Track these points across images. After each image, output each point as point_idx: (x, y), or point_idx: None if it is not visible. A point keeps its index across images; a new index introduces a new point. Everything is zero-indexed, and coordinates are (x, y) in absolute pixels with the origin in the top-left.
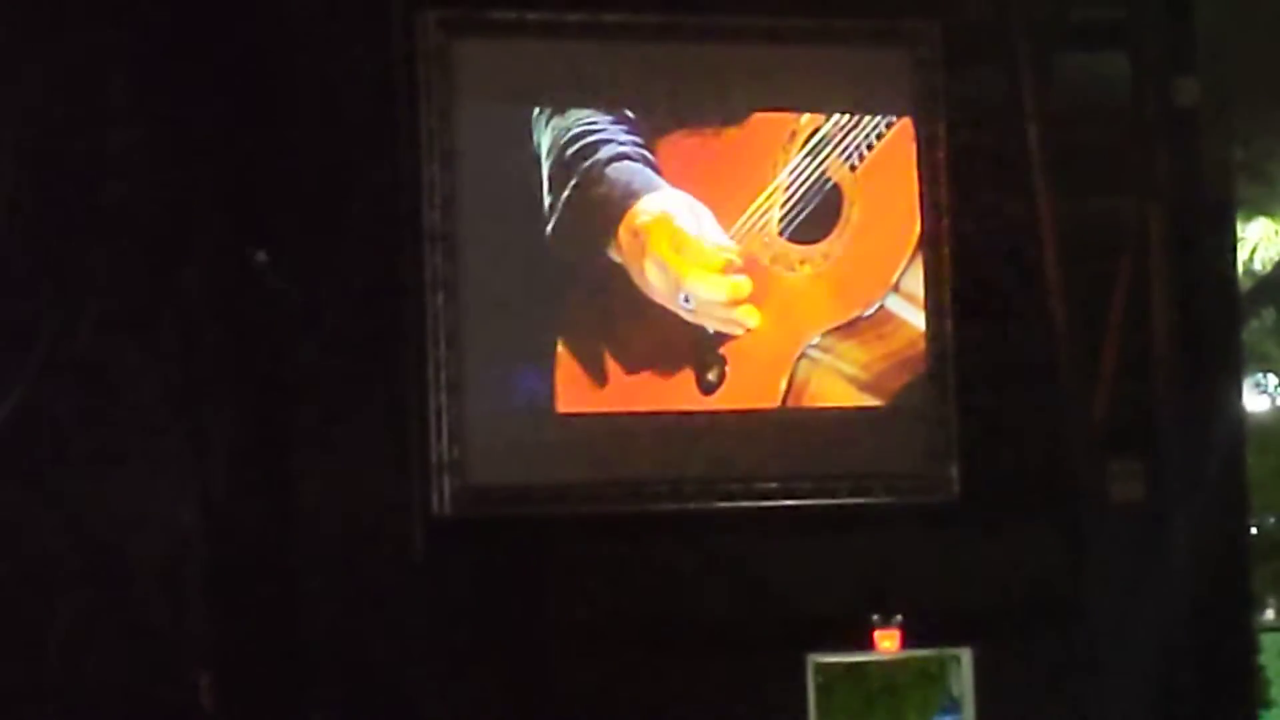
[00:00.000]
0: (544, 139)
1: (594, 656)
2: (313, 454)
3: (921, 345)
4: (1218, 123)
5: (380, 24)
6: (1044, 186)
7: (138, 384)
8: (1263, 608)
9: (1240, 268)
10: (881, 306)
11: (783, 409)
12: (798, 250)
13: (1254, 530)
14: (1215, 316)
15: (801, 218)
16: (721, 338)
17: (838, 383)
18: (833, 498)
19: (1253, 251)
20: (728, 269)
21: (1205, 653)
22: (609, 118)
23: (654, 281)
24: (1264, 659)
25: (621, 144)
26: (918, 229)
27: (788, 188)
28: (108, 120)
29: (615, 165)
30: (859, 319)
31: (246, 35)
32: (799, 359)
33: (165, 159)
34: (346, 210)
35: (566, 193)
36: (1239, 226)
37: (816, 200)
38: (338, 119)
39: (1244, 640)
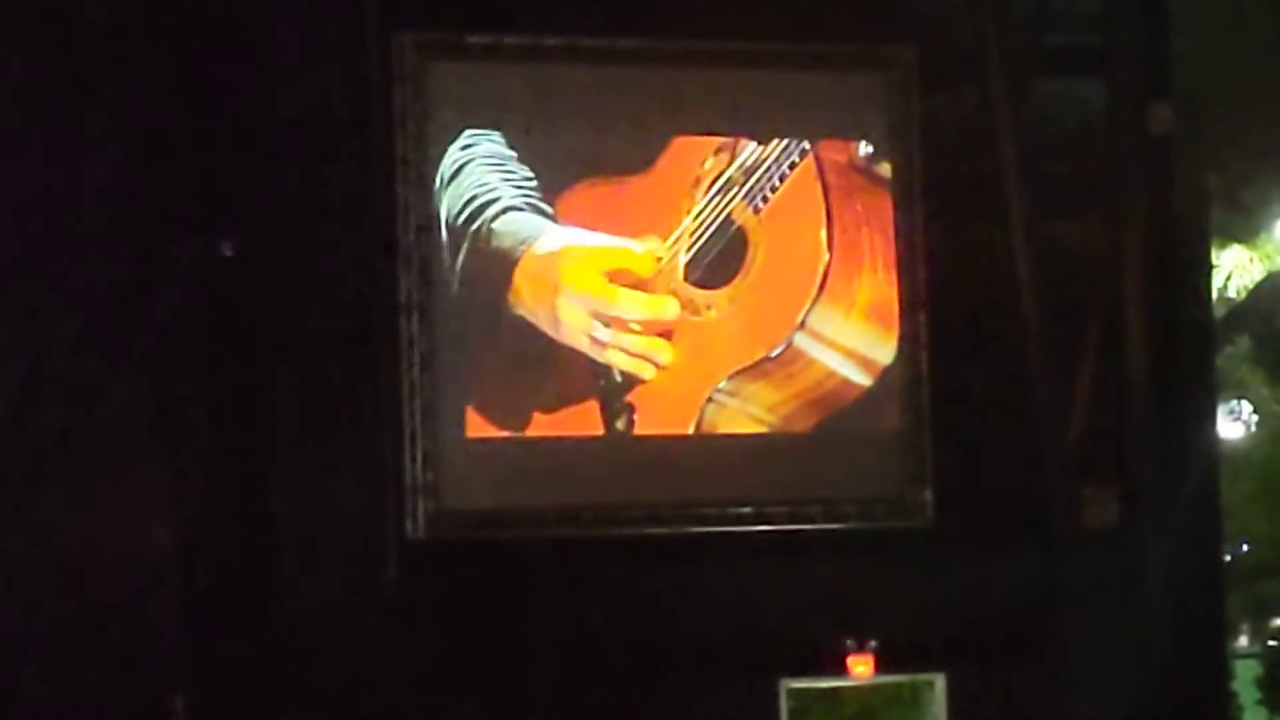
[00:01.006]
0: (441, 209)
1: (568, 681)
2: (287, 477)
3: (831, 384)
4: (1193, 149)
5: (356, 47)
6: (1018, 212)
7: (112, 405)
8: (1237, 634)
9: (1215, 294)
10: (789, 345)
11: (759, 435)
12: (703, 295)
13: (1228, 557)
14: (1190, 343)
15: (707, 262)
16: (629, 383)
17: (746, 424)
18: (807, 523)
19: (1227, 278)
20: (654, 280)
21: (1179, 678)
22: (502, 175)
23: (565, 319)
24: (1238, 685)
25: (511, 199)
26: (823, 267)
27: (693, 233)
28: (83, 141)
29: (503, 219)
30: (766, 359)
31: (222, 56)
32: (706, 403)
33: (141, 180)
34: (321, 232)
35: (461, 257)
36: (1214, 253)
37: (721, 244)
38: (312, 141)
39: (1218, 666)
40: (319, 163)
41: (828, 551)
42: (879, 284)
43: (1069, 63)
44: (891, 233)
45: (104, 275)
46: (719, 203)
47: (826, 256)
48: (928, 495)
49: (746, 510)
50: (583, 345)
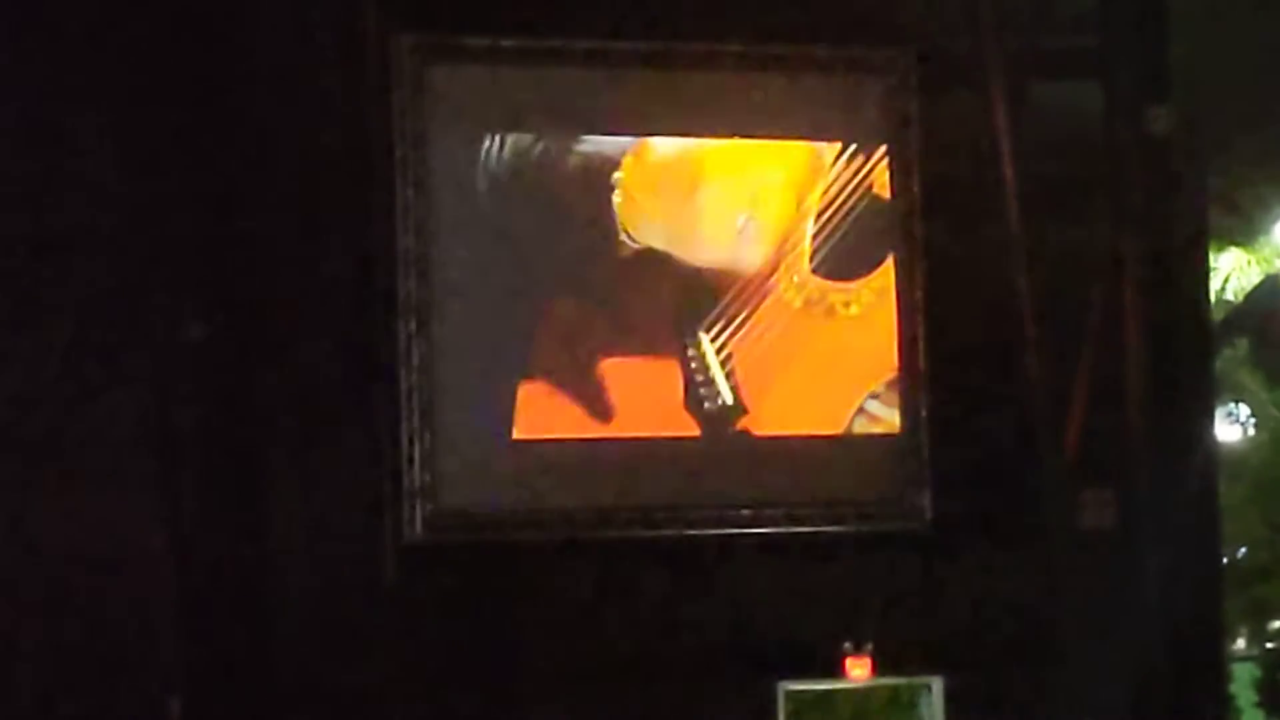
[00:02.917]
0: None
1: (565, 683)
2: (283, 478)
3: None
4: (1191, 152)
5: (353, 49)
6: (1016, 215)
7: (109, 406)
8: (1234, 637)
9: (1213, 297)
10: None
11: (753, 435)
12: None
13: (1225, 560)
14: (1188, 346)
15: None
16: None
17: None
18: (804, 525)
19: (1225, 281)
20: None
21: (1177, 682)
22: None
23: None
24: (1236, 688)
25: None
26: None
27: (821, 212)
28: (78, 147)
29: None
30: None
31: (217, 59)
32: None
33: (136, 186)
34: (318, 235)
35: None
36: (1212, 256)
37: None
38: (309, 143)
39: (1216, 669)
40: (318, 164)
41: (825, 554)
42: None
43: (1067, 65)
44: None
45: (101, 274)
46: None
47: None
48: (925, 497)
49: (744, 512)
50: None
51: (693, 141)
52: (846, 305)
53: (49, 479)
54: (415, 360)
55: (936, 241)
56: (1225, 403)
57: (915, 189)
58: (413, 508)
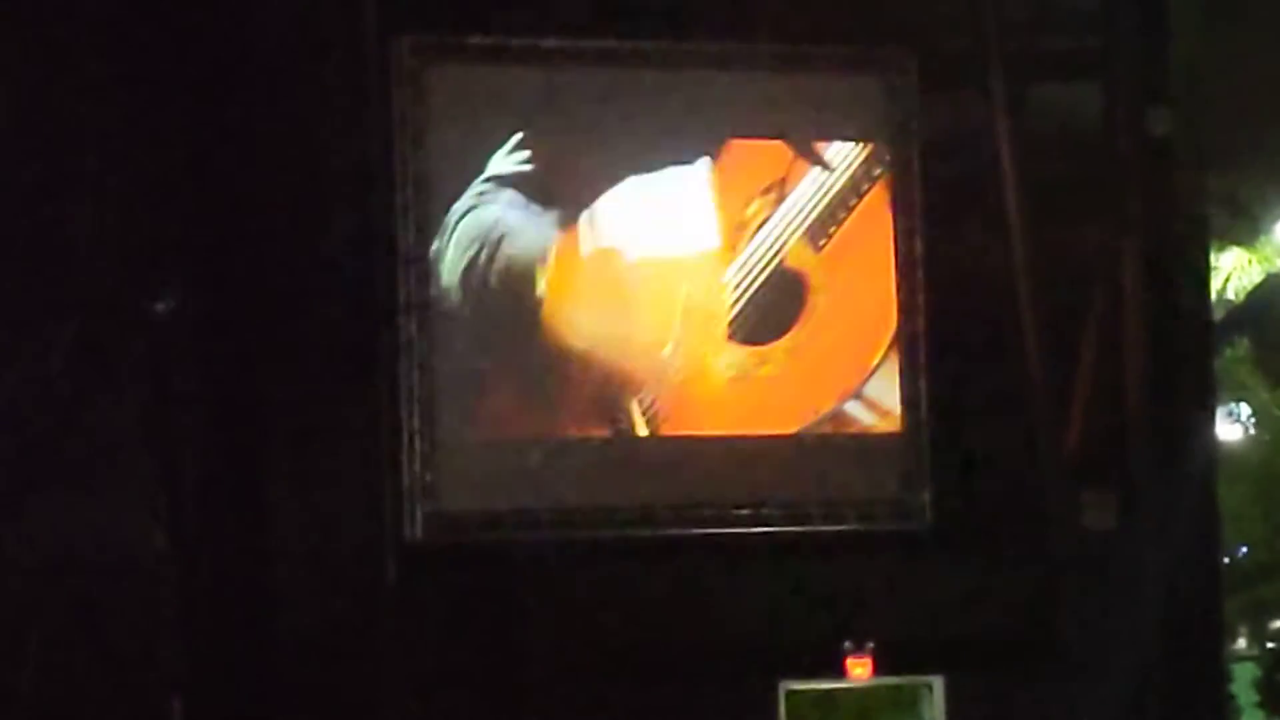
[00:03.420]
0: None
1: (566, 683)
2: (284, 479)
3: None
4: (1191, 152)
5: (354, 48)
6: (1017, 215)
7: (109, 410)
8: (1234, 637)
9: (1213, 297)
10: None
11: (755, 436)
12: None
13: (1226, 559)
14: (1188, 345)
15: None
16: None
17: None
18: (805, 524)
19: (1226, 280)
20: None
21: (1177, 681)
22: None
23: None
24: (1235, 688)
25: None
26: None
27: (738, 284)
28: (80, 146)
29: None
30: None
31: (218, 59)
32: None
33: (137, 186)
34: (319, 233)
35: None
36: (1212, 256)
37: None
38: (310, 143)
39: (1216, 669)
40: (318, 164)
41: (826, 553)
42: None
43: (1068, 65)
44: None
45: (100, 276)
46: (770, 246)
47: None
48: (926, 498)
49: (745, 512)
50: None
51: (621, 247)
52: (760, 366)
53: (49, 479)
54: (415, 360)
55: (936, 239)
56: (1225, 402)
57: (915, 188)
58: (413, 508)
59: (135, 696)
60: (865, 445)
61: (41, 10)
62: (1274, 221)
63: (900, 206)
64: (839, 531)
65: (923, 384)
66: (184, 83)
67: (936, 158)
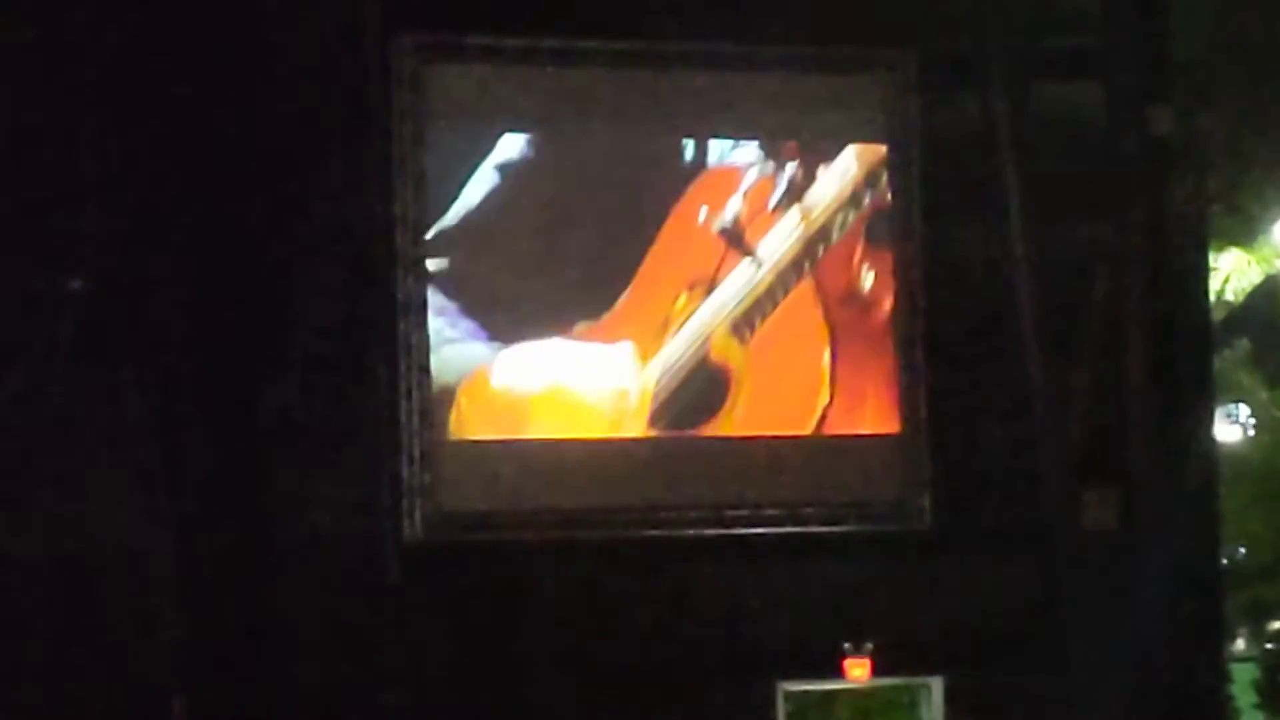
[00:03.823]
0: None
1: (565, 683)
2: (284, 478)
3: None
4: (1192, 152)
5: (354, 48)
6: (1017, 215)
7: (111, 405)
8: (1234, 637)
9: (1213, 297)
10: None
11: (755, 437)
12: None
13: (1226, 560)
14: (1188, 346)
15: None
16: None
17: None
18: (805, 526)
19: (1225, 281)
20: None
21: (1177, 682)
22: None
23: None
24: (1235, 689)
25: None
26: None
27: (660, 376)
28: (80, 145)
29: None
30: None
31: (219, 58)
32: None
33: (137, 186)
34: (319, 235)
35: None
36: (1212, 256)
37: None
38: (310, 142)
39: (1215, 670)
40: (317, 163)
41: (825, 555)
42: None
43: (1069, 66)
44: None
45: (100, 275)
46: (695, 338)
47: (827, 397)
48: (926, 499)
49: (744, 513)
50: None
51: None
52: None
53: (50, 478)
54: (414, 358)
55: (935, 240)
56: (1225, 403)
57: (915, 189)
58: (413, 508)
59: (135, 696)
60: (865, 447)
61: (42, 11)
62: (1273, 223)
63: (900, 206)
64: (838, 533)
65: (922, 385)
66: (184, 82)
67: (936, 158)
